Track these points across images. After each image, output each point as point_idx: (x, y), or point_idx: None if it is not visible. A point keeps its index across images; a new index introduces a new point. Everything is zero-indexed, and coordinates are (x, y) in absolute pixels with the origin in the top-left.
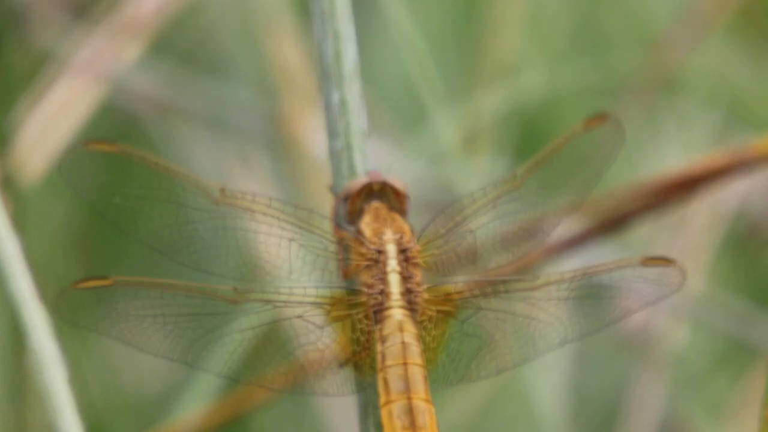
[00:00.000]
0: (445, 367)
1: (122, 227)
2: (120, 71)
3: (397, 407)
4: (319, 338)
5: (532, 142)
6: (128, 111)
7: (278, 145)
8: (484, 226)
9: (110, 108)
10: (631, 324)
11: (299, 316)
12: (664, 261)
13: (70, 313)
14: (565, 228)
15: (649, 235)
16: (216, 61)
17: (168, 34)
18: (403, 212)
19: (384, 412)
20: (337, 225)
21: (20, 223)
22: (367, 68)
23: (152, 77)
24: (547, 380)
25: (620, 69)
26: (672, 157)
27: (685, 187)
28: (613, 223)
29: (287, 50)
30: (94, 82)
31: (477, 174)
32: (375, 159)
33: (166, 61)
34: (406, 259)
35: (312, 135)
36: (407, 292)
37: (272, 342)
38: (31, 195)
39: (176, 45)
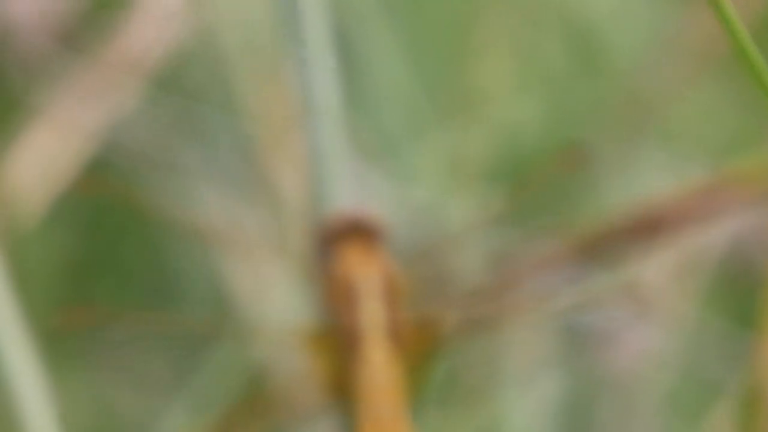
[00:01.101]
0: (426, 399)
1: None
2: (110, 116)
3: None
4: (296, 372)
5: (514, 170)
6: (114, 159)
7: (263, 184)
8: (464, 259)
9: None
10: (616, 361)
11: (277, 350)
12: (639, 293)
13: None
14: (546, 258)
15: (632, 269)
16: (202, 104)
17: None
18: (381, 246)
19: None
20: (316, 261)
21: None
22: (351, 100)
23: (140, 121)
24: (530, 420)
25: (606, 101)
26: (658, 190)
27: (671, 220)
28: (594, 254)
29: (272, 93)
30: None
31: (461, 203)
32: (356, 192)
33: (152, 104)
34: (385, 294)
35: (295, 173)
36: (387, 327)
37: (252, 375)
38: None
39: (166, 87)
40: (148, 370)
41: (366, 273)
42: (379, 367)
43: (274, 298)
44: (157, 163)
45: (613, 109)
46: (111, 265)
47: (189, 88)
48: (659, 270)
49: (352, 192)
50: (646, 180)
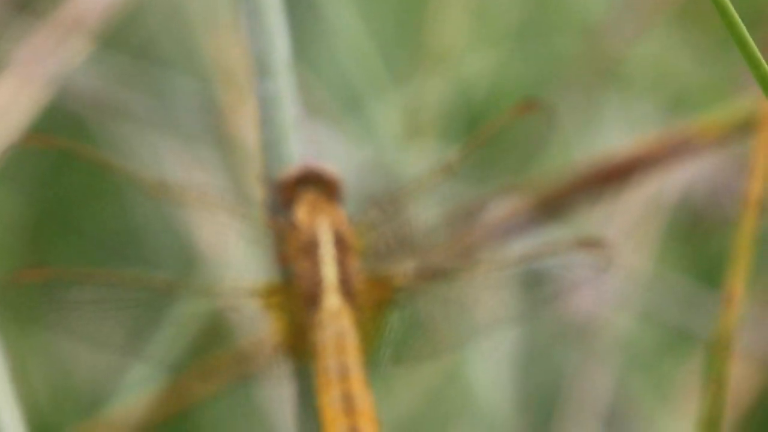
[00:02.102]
0: (384, 352)
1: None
2: (64, 68)
3: (336, 394)
4: (256, 327)
5: (474, 123)
6: (71, 109)
7: (217, 137)
8: (420, 213)
9: (52, 107)
10: (575, 310)
11: (234, 306)
12: (595, 243)
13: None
14: (504, 212)
15: (589, 220)
16: (156, 58)
17: (110, 31)
18: (337, 199)
19: (322, 400)
20: (271, 214)
21: None
22: (307, 57)
23: (95, 74)
24: (491, 369)
25: (563, 56)
26: (614, 142)
27: (625, 171)
28: (552, 207)
29: (225, 46)
30: (37, 82)
31: (418, 160)
32: (313, 146)
33: (109, 57)
34: (342, 247)
35: (249, 127)
36: (344, 280)
37: (211, 332)
38: None
39: (121, 42)
40: (105, 330)
41: (322, 223)
42: (335, 316)
43: (232, 253)
44: (111, 115)
45: (569, 62)
46: (66, 223)
47: (140, 44)
48: (617, 219)
49: (307, 148)
50: (604, 132)
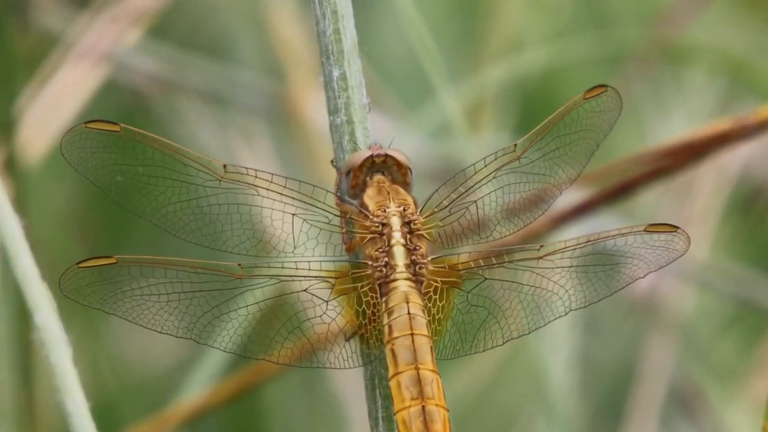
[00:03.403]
0: (452, 337)
1: (127, 206)
2: (123, 53)
3: (406, 378)
4: (325, 312)
5: (535, 116)
6: (133, 91)
7: (281, 122)
8: (486, 197)
9: (114, 90)
10: (638, 291)
11: (304, 290)
12: (668, 227)
13: (75, 292)
14: (569, 197)
15: (653, 203)
16: (219, 42)
17: (169, 16)
18: (406, 185)
19: (393, 384)
20: (340, 199)
21: (23, 203)
22: (370, 46)
23: (155, 58)
24: (556, 349)
25: (623, 42)
26: (676, 126)
27: (688, 154)
28: (617, 192)
29: (289, 30)
30: (97, 64)
31: (480, 147)
32: (377, 133)
33: (169, 42)
34: (411, 231)
35: (314, 111)
36: (412, 264)
37: (279, 317)
38: (36, 177)
39: (178, 27)
40: (172, 319)
41: (391, 208)
42: (405, 300)
43: (302, 238)
44: (178, 100)
45: (631, 49)
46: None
47: (205, 35)
48: (677, 200)
49: (376, 135)
50: (667, 117)
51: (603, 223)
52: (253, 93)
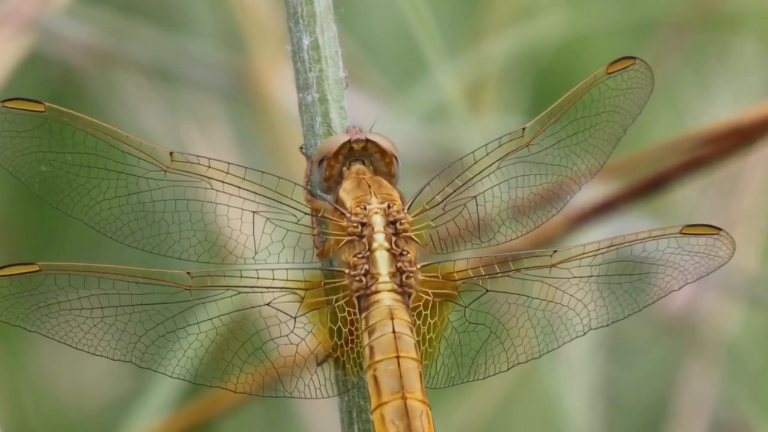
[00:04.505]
0: (446, 361)
1: (53, 202)
2: (50, 19)
3: (390, 410)
4: (293, 330)
5: (550, 95)
6: (61, 65)
7: (241, 101)
8: (489, 192)
9: (40, 63)
10: (673, 306)
11: (268, 304)
12: (709, 229)
13: None
14: (590, 192)
15: (691, 200)
16: (167, 5)
17: None
18: (391, 176)
19: (375, 417)
20: (311, 194)
21: None
22: (347, 8)
23: (89, 25)
24: (573, 377)
25: (656, 6)
26: (718, 106)
27: (734, 141)
28: (647, 186)
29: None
30: (19, 33)
31: (482, 133)
32: (356, 115)
33: (105, 5)
34: (396, 233)
35: (281, 89)
36: (398, 273)
37: (237, 336)
38: None
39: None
40: (108, 337)
41: (373, 204)
42: (389, 316)
43: (263, 241)
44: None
45: (666, 17)
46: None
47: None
48: (717, 201)
49: (355, 118)
50: (703, 96)
51: (630, 225)
52: (208, 67)
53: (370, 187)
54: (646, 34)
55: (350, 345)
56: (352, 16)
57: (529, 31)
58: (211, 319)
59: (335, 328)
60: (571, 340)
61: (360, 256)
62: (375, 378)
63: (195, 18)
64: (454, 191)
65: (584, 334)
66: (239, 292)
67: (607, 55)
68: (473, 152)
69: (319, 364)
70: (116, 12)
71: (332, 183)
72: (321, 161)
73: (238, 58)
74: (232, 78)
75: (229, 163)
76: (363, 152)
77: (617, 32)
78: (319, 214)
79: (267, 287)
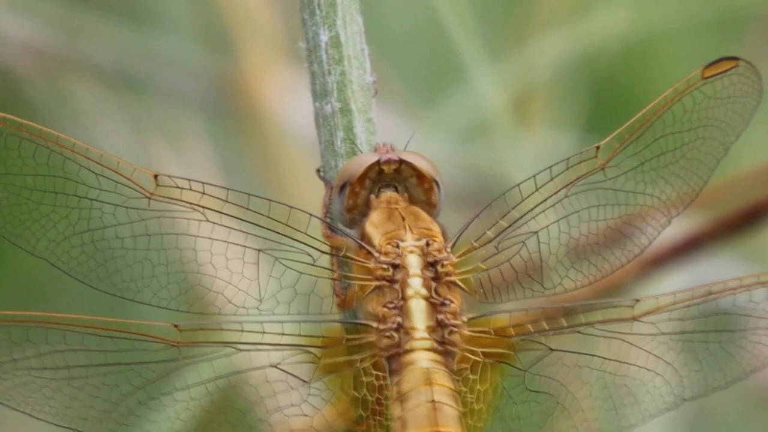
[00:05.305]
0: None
1: (10, 236)
2: None
3: None
4: (306, 398)
5: (612, 108)
6: (1, 69)
7: (228, 115)
8: (554, 226)
9: None
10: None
11: (275, 365)
12: None
13: None
14: (673, 229)
15: None
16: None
17: None
18: (431, 206)
19: None
20: (332, 228)
21: None
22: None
23: (35, 20)
24: None
25: None
26: None
27: None
28: (742, 220)
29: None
30: None
31: (530, 153)
32: (386, 130)
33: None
34: (437, 277)
35: (286, 97)
36: (439, 327)
37: (236, 405)
38: None
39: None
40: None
41: (408, 242)
42: (427, 380)
43: (265, 286)
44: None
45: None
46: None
47: None
48: None
49: (385, 136)
50: None
51: (720, 269)
52: (185, 73)
53: (404, 219)
54: (733, 32)
55: (378, 418)
56: (368, 8)
57: (586, 30)
58: (204, 383)
59: (359, 397)
60: (660, 414)
61: (391, 306)
62: None
63: (168, 12)
64: (510, 225)
65: (676, 406)
66: (239, 350)
67: (683, 59)
68: (534, 176)
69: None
70: (68, 4)
71: (357, 214)
72: (343, 187)
73: (224, 61)
74: (216, 87)
75: (228, 189)
76: (395, 176)
77: (695, 30)
78: (341, 254)
79: (274, 344)
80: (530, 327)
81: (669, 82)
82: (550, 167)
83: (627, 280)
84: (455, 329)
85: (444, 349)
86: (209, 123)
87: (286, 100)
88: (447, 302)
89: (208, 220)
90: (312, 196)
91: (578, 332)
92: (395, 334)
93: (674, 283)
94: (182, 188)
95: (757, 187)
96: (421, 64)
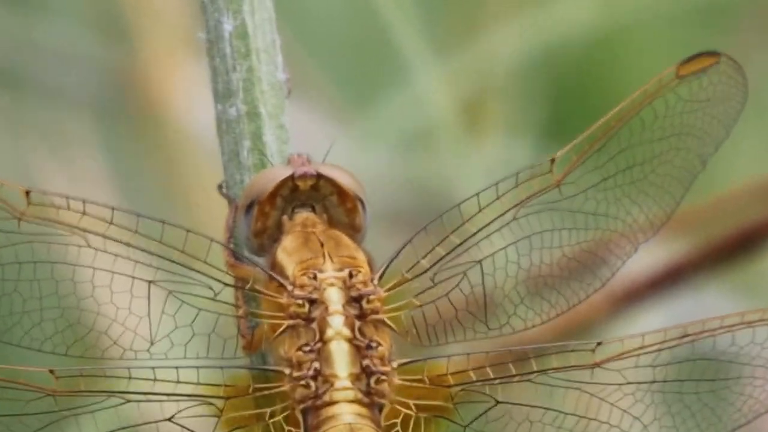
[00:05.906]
0: None
1: None
2: None
3: None
4: None
5: (577, 112)
6: None
7: (123, 117)
8: (500, 254)
9: None
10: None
11: (170, 419)
12: None
13: None
14: (646, 256)
15: None
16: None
17: None
18: (354, 230)
19: None
20: (236, 255)
21: None
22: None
23: None
24: None
25: None
26: None
27: None
28: (729, 246)
29: None
30: None
31: (484, 166)
32: (302, 138)
33: None
34: (362, 315)
35: (192, 95)
36: (363, 374)
37: None
38: None
39: None
40: None
41: (327, 272)
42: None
43: (161, 325)
44: None
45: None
46: None
47: None
48: None
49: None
50: None
51: (708, 305)
52: (73, 66)
53: (322, 246)
54: (721, 23)
55: None
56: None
57: (546, 21)
58: None
59: None
60: None
61: (307, 349)
62: None
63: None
64: (449, 253)
65: None
66: (127, 401)
67: (660, 54)
68: (477, 194)
69: None
70: None
71: (266, 239)
72: (250, 206)
73: (119, 52)
74: (110, 83)
75: (113, 209)
76: (312, 193)
77: (675, 20)
78: (247, 286)
79: (168, 394)
80: (472, 375)
81: (642, 82)
82: (496, 183)
83: (596, 319)
84: (383, 377)
85: (370, 400)
86: (101, 126)
87: (193, 100)
88: (374, 345)
89: (89, 246)
90: (223, 214)
91: (529, 381)
92: (312, 383)
93: (652, 323)
94: (59, 207)
95: (749, 207)
96: (350, 57)
